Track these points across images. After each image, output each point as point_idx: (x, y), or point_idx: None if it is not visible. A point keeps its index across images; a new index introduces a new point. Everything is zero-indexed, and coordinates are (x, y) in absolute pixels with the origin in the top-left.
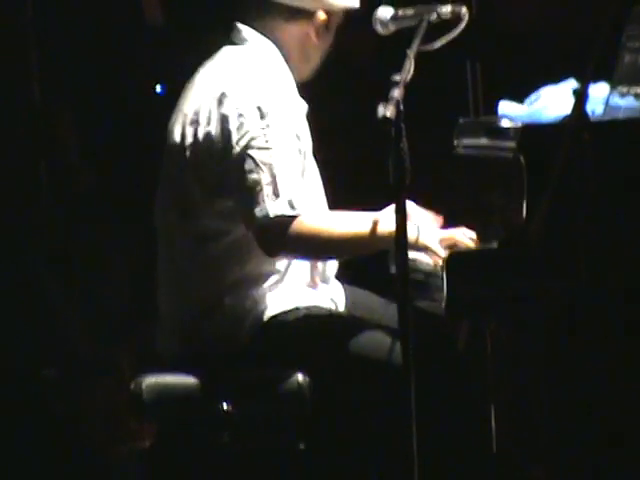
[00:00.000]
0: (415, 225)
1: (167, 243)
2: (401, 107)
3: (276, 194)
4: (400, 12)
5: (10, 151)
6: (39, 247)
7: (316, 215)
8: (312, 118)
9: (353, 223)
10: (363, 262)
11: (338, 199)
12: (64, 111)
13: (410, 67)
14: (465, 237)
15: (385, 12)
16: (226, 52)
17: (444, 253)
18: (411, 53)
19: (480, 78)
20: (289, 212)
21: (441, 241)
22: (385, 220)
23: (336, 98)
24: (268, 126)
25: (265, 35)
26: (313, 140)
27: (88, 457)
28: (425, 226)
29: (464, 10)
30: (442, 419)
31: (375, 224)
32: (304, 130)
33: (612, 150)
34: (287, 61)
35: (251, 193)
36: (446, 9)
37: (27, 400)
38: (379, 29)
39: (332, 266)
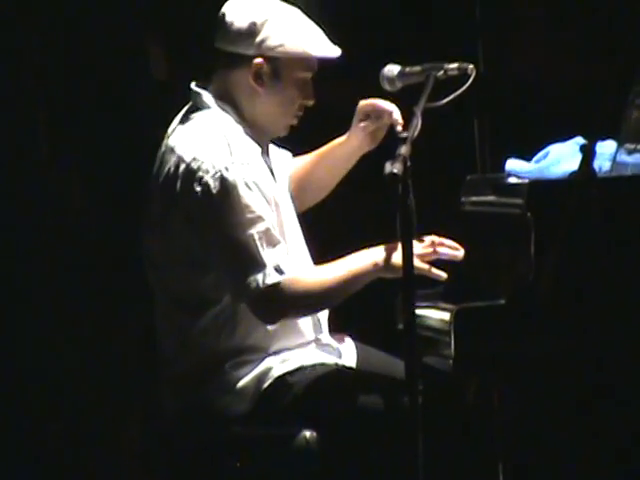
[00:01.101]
0: (382, 249)
1: (159, 303)
2: (408, 164)
3: (262, 264)
4: (407, 69)
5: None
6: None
7: (304, 273)
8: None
9: (338, 268)
10: (370, 319)
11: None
12: (72, 167)
13: (417, 124)
14: (446, 248)
15: (392, 69)
16: (191, 121)
17: (429, 268)
18: (418, 110)
19: (487, 135)
20: (278, 279)
21: (421, 257)
22: (364, 254)
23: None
24: (237, 197)
25: (221, 92)
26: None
27: None
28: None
29: (471, 67)
30: (450, 474)
31: (358, 260)
32: (273, 188)
33: (619, 206)
34: (249, 121)
35: (236, 268)
36: (453, 66)
37: (34, 454)
38: (386, 86)
39: (323, 314)
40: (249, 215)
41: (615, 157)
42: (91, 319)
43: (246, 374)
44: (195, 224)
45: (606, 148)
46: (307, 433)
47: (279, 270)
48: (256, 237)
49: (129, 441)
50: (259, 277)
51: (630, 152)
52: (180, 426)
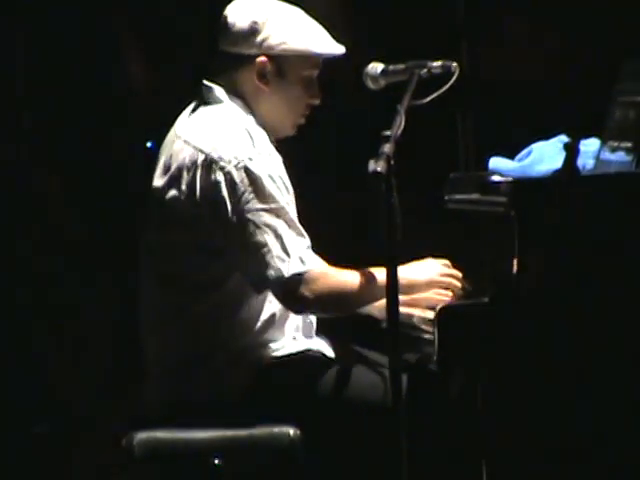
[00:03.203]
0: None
1: (151, 296)
2: (392, 162)
3: (287, 253)
4: (391, 67)
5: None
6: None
7: (330, 268)
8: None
9: (363, 274)
10: (354, 317)
11: (328, 254)
12: (54, 171)
13: (401, 122)
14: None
15: (375, 67)
16: (204, 114)
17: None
18: (402, 108)
19: (471, 133)
20: (302, 269)
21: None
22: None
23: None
24: (262, 187)
25: (231, 91)
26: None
27: None
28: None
29: (454, 65)
30: (433, 471)
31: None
32: (288, 182)
33: (603, 204)
34: (258, 118)
35: (259, 256)
36: (437, 64)
37: (18, 455)
38: (369, 84)
39: (314, 322)
40: (274, 205)
41: (598, 155)
42: (72, 314)
43: (233, 363)
44: (216, 213)
45: (590, 146)
46: (291, 430)
47: (302, 260)
48: (280, 227)
49: (113, 438)
50: (283, 267)
51: (613, 150)
52: (164, 421)
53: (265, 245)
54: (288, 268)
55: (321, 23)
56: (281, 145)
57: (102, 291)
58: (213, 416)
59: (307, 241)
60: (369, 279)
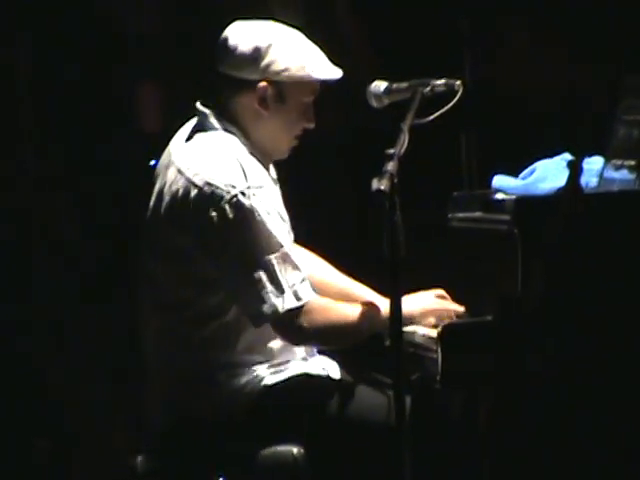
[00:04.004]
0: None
1: (152, 320)
2: (395, 180)
3: (280, 289)
4: (394, 85)
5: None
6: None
7: (326, 301)
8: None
9: (362, 308)
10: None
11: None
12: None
13: (404, 140)
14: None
15: (379, 85)
16: (199, 142)
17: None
18: (405, 126)
19: (474, 151)
20: (296, 304)
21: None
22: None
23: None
24: (254, 222)
25: (226, 116)
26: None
27: None
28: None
29: (458, 83)
30: None
31: (382, 305)
32: (283, 211)
33: (606, 222)
34: (254, 143)
35: (254, 292)
36: (440, 82)
37: (19, 470)
38: (373, 102)
39: None
40: (267, 240)
41: (602, 173)
42: (76, 333)
43: (237, 385)
44: (210, 248)
45: (593, 164)
46: (295, 449)
47: (296, 295)
48: (274, 262)
49: (116, 455)
50: (278, 302)
51: (617, 168)
52: (169, 440)
53: (259, 282)
54: (283, 304)
55: (322, 43)
56: (281, 166)
57: (103, 309)
58: (217, 435)
59: (302, 274)
60: (368, 311)
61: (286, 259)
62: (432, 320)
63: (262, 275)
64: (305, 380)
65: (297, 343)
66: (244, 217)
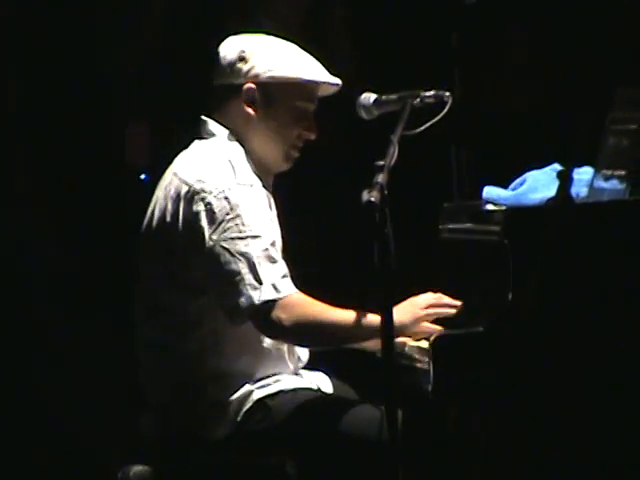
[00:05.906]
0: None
1: (142, 328)
2: (385, 192)
3: (258, 281)
4: (383, 97)
5: None
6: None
7: (306, 298)
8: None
9: (347, 311)
10: (347, 348)
11: (322, 286)
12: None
13: (394, 152)
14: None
15: (368, 97)
16: (195, 147)
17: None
18: (395, 138)
19: (464, 163)
20: (274, 296)
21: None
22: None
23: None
24: (239, 215)
25: (223, 123)
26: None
27: None
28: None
29: (447, 95)
30: None
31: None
32: (271, 213)
33: (597, 233)
34: (251, 153)
35: (232, 284)
36: (429, 94)
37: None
38: (362, 114)
39: (304, 356)
40: (250, 233)
41: (592, 183)
42: (72, 346)
43: (227, 398)
44: (195, 241)
45: (583, 174)
46: (285, 464)
47: (275, 288)
48: (255, 255)
49: (111, 469)
50: (255, 294)
51: (607, 178)
52: (161, 454)
53: (238, 273)
54: (260, 295)
55: (316, 54)
56: (281, 181)
57: (101, 323)
58: (209, 449)
59: (283, 269)
60: (351, 315)
61: (267, 253)
62: (426, 325)
63: (242, 267)
64: (295, 394)
65: (272, 335)
66: (230, 209)
